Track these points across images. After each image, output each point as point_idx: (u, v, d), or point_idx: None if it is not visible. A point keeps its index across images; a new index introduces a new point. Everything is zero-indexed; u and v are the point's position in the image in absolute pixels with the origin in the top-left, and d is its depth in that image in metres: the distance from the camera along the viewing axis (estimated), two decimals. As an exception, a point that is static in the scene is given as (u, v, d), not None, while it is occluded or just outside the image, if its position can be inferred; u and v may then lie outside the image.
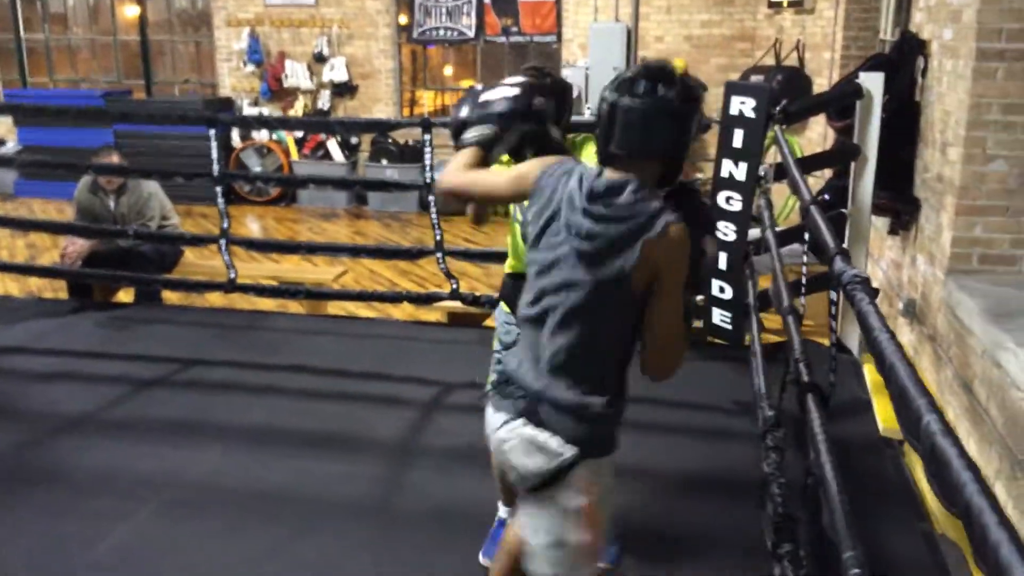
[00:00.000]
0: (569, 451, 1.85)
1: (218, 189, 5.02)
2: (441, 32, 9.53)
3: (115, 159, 5.40)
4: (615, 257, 1.82)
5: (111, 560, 2.97)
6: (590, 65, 8.88)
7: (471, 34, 9.46)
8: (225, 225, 4.98)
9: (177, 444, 3.79)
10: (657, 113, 1.82)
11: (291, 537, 3.12)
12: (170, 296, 5.92)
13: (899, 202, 4.38)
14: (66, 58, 11.05)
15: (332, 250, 5.32)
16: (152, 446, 3.76)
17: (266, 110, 9.71)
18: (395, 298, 4.96)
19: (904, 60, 4.37)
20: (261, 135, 9.64)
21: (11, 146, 10.08)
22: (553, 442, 1.86)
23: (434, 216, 4.77)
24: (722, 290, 4.37)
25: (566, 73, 8.98)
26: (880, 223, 4.69)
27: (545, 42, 9.41)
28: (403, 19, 9.73)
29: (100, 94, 9.72)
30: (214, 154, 4.97)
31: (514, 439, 1.91)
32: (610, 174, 1.87)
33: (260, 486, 3.44)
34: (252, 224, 8.83)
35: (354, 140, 9.45)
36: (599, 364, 1.90)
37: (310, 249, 5.09)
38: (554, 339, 1.89)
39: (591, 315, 1.87)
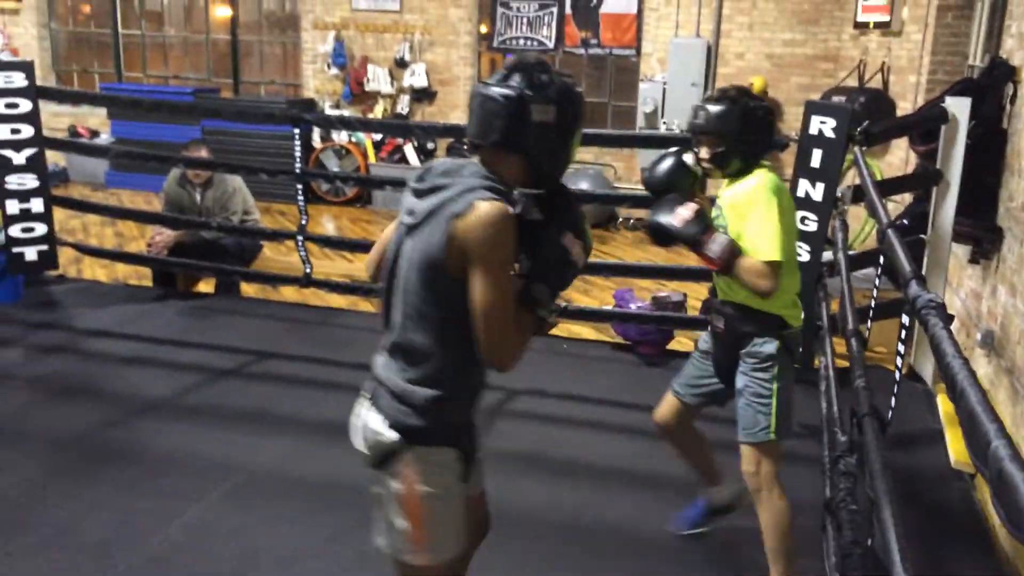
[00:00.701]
0: (391, 436, 1.87)
1: (299, 187, 5.17)
2: (521, 42, 9.62)
3: (203, 153, 5.60)
4: (428, 235, 1.80)
5: (182, 538, 3.09)
6: (668, 80, 8.87)
7: (550, 45, 9.53)
8: (303, 222, 5.13)
9: (249, 431, 3.92)
10: (493, 101, 1.80)
11: (353, 527, 3.20)
12: (248, 288, 6.10)
13: (981, 230, 4.28)
14: (160, 55, 11.46)
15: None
16: (225, 432, 3.89)
17: (347, 112, 9.92)
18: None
19: (992, 86, 4.28)
20: (341, 137, 9.85)
21: (105, 138, 10.49)
22: (381, 426, 1.89)
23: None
24: (792, 311, 4.32)
25: (643, 87, 8.99)
26: (960, 251, 4.59)
27: (624, 55, 9.43)
28: (484, 28, 9.85)
29: (190, 91, 10.06)
30: (297, 152, 5.12)
31: (357, 419, 1.97)
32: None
33: (326, 476, 3.53)
34: (328, 223, 9.03)
35: (430, 145, 9.60)
36: (429, 352, 1.86)
37: (368, 248, 5.19)
38: (393, 322, 1.91)
39: (419, 299, 1.84)
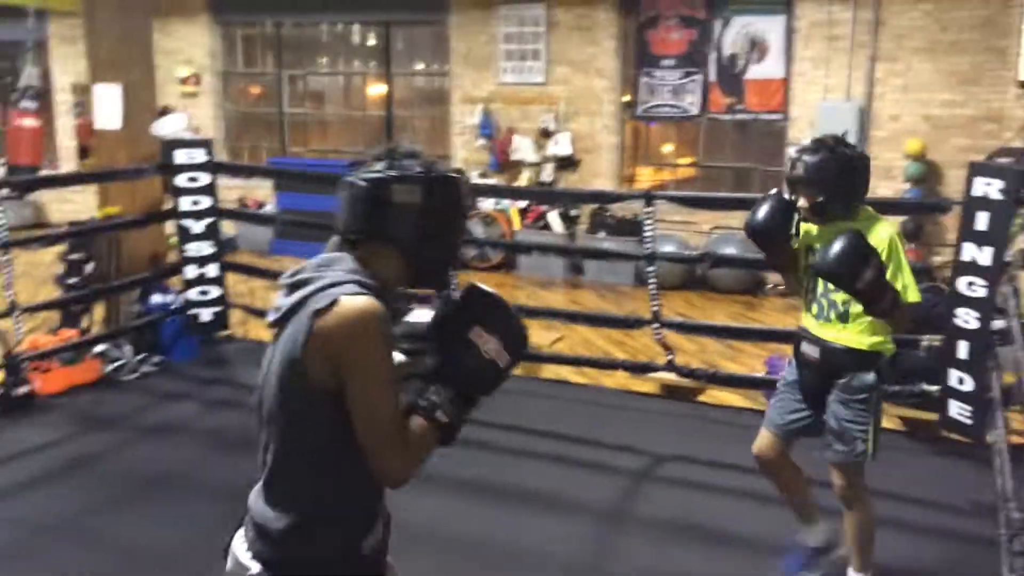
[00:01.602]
0: (253, 568, 1.67)
1: (450, 252, 5.35)
2: (664, 109, 9.69)
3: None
4: (290, 335, 1.59)
5: None
6: (817, 144, 8.69)
7: (695, 111, 9.55)
8: (452, 286, 5.29)
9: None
10: (354, 187, 1.68)
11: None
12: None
13: None
14: (320, 130, 12.20)
15: (550, 315, 5.49)
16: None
17: (493, 182, 10.22)
18: (610, 365, 5.03)
19: None
20: (487, 205, 10.15)
21: (270, 208, 11.20)
22: (245, 557, 1.69)
23: (652, 287, 4.83)
24: (961, 381, 4.10)
25: (791, 152, 8.85)
26: None
27: (771, 120, 9.34)
28: (627, 97, 9.99)
29: (347, 163, 10.63)
30: (449, 220, 5.30)
31: (231, 552, 1.75)
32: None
33: (473, 535, 3.58)
34: (473, 288, 9.26)
35: (574, 212, 9.74)
36: (292, 473, 1.66)
37: (529, 313, 5.29)
38: (263, 442, 1.70)
39: (279, 410, 1.63)
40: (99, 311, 6.11)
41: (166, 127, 5.86)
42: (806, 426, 3.06)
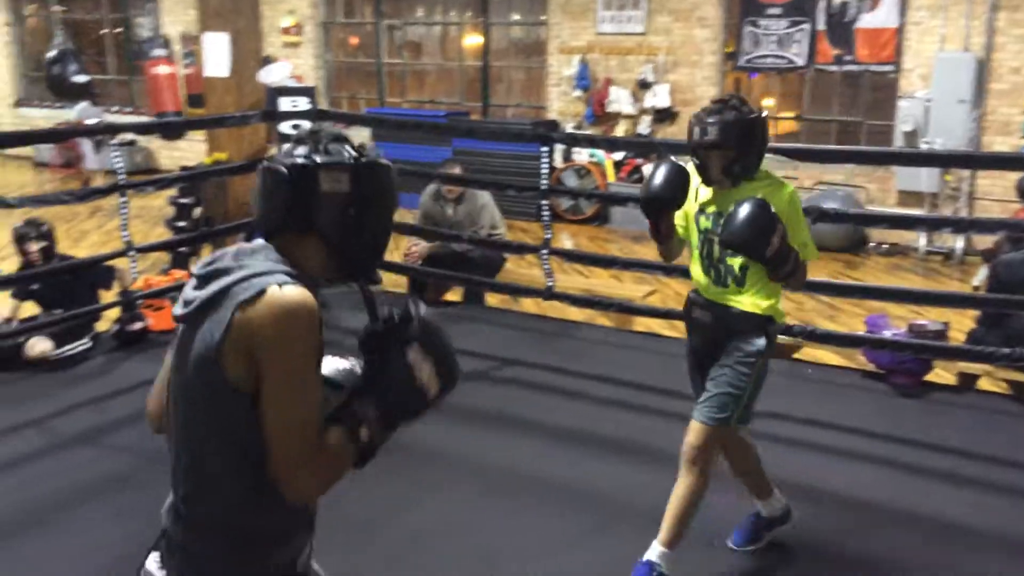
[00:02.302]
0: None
1: (544, 203, 5.35)
2: (768, 60, 9.39)
3: (458, 171, 5.94)
4: (206, 329, 1.43)
5: (433, 523, 3.31)
6: (931, 97, 8.31)
7: (800, 62, 9.23)
8: (548, 236, 5.30)
9: (493, 432, 4.11)
10: (274, 174, 1.52)
11: (586, 533, 3.28)
12: (492, 299, 6.38)
13: None
14: (417, 81, 12.29)
15: (646, 267, 5.44)
16: (472, 430, 4.10)
17: (589, 134, 10.13)
18: (704, 319, 4.97)
19: None
20: (582, 157, 10.07)
21: (372, 147, 11.39)
22: None
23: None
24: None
25: (903, 105, 8.49)
26: None
27: (882, 71, 8.95)
28: (729, 47, 9.72)
29: (443, 114, 10.70)
30: (543, 169, 5.30)
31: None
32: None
33: (562, 481, 3.63)
34: (566, 240, 9.24)
35: (670, 165, 9.59)
36: (214, 488, 1.49)
37: (626, 264, 5.27)
38: (173, 455, 1.54)
39: (190, 413, 1.48)
40: (206, 253, 6.36)
41: (272, 75, 6.00)
42: (697, 393, 3.00)
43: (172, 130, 7.12)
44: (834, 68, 9.16)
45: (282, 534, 1.56)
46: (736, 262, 2.81)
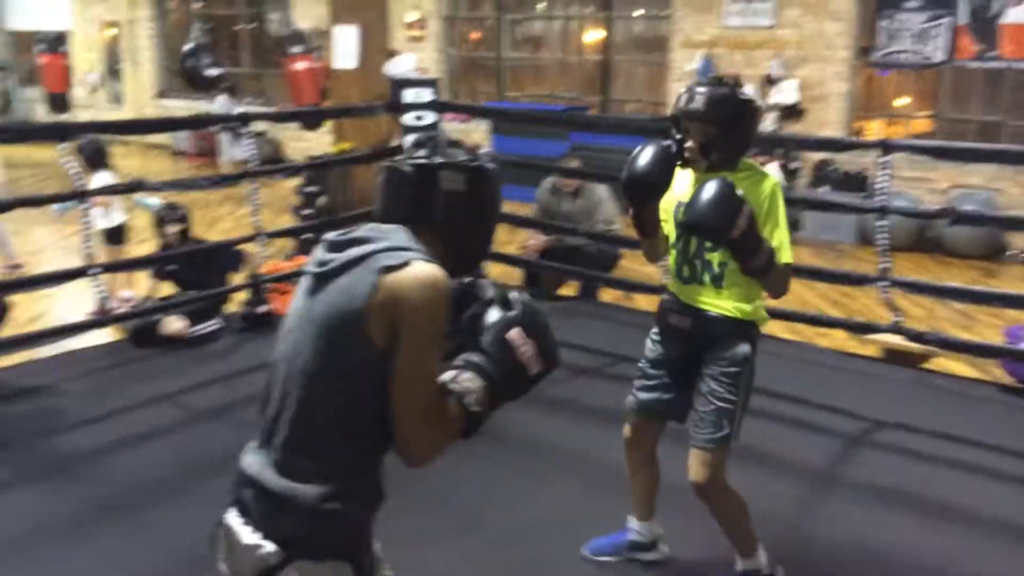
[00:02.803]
0: (268, 548, 1.52)
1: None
2: (904, 56, 8.98)
3: (575, 164, 5.93)
4: (346, 287, 1.53)
5: (540, 515, 3.31)
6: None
7: (939, 58, 8.78)
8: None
9: (602, 429, 4.06)
10: (399, 173, 1.67)
11: (701, 536, 3.20)
12: (606, 294, 6.34)
13: None
14: (536, 76, 12.32)
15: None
16: (582, 427, 4.09)
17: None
18: (829, 323, 4.81)
19: None
20: (702, 154, 9.90)
21: (485, 151, 11.50)
22: (253, 537, 1.54)
23: (882, 242, 4.55)
24: None
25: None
26: None
27: (1028, 69, 8.44)
28: (863, 42, 9.34)
29: (562, 108, 10.69)
30: (666, 165, 5.21)
31: (221, 532, 1.63)
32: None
33: (671, 480, 3.57)
34: (683, 238, 9.11)
35: (795, 164, 9.29)
36: (321, 439, 1.54)
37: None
38: (277, 404, 1.59)
39: (315, 367, 1.53)
40: (329, 241, 6.55)
41: (398, 67, 6.13)
42: (674, 409, 2.81)
43: (308, 119, 7.34)
44: (975, 64, 8.68)
45: (372, 499, 1.62)
46: (715, 258, 2.59)
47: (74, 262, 4.87)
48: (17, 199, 4.56)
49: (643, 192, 2.62)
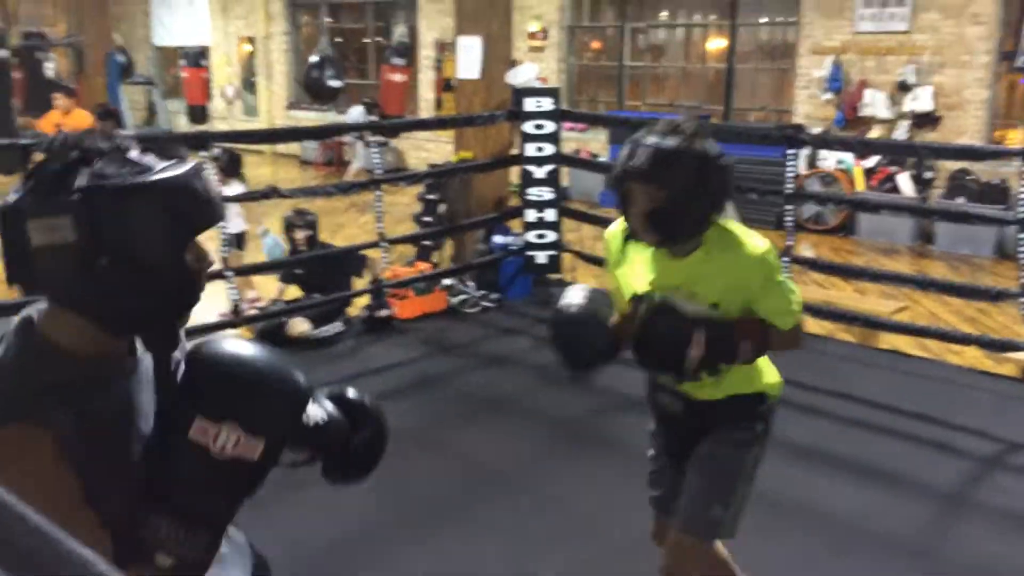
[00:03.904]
0: None
1: (788, 207, 5.14)
2: (1052, 60, 8.47)
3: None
4: None
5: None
6: None
7: (1092, 63, 8.24)
8: (790, 243, 5.09)
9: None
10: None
11: (817, 556, 3.11)
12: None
13: None
14: (658, 85, 12.21)
15: (897, 280, 5.08)
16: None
17: (842, 136, 9.61)
18: (963, 340, 4.57)
19: None
20: (827, 164, 9.57)
21: (603, 159, 11.48)
22: None
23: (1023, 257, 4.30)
24: None
25: None
26: None
27: None
28: (1008, 46, 8.85)
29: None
30: (789, 173, 5.09)
31: None
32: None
33: (793, 500, 3.47)
34: (806, 251, 8.83)
35: (928, 175, 8.88)
36: None
37: (875, 276, 4.94)
38: None
39: None
40: (448, 248, 6.68)
41: (519, 77, 6.19)
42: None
43: (423, 128, 7.52)
44: None
45: None
46: None
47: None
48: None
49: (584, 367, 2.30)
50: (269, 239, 5.98)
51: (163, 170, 1.14)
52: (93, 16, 9.41)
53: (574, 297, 2.19)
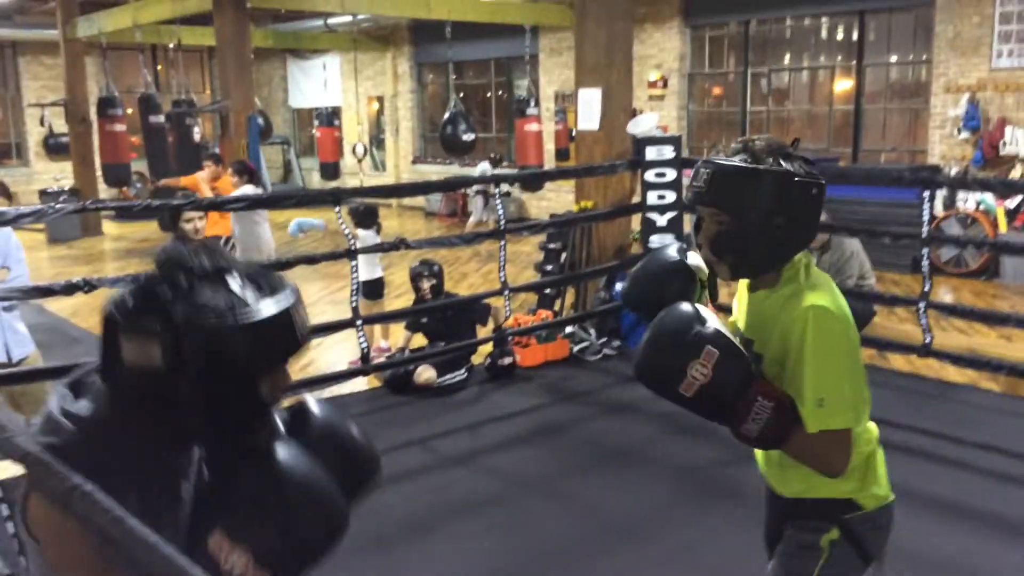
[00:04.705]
0: None
1: (924, 251, 4.93)
2: None
3: (823, 218, 5.69)
4: None
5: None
6: None
7: None
8: (926, 288, 4.88)
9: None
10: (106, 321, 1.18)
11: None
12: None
13: None
14: (780, 128, 12.00)
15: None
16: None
17: (980, 177, 9.18)
18: None
19: None
20: (967, 205, 9.14)
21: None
22: None
23: None
24: None
25: None
26: None
27: None
28: None
29: (811, 160, 10.32)
30: (925, 215, 4.90)
31: None
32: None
33: (948, 558, 3.29)
34: (945, 296, 8.42)
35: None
36: None
37: (1020, 322, 4.66)
38: None
39: None
40: (569, 296, 6.71)
41: (640, 125, 6.22)
42: None
43: (537, 181, 7.63)
44: None
45: None
46: None
47: (340, 315, 5.34)
48: (296, 257, 5.07)
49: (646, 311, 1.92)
50: (308, 221, 6.18)
51: (258, 306, 1.17)
52: (237, 83, 10.05)
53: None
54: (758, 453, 1.93)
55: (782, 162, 1.71)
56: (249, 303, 1.16)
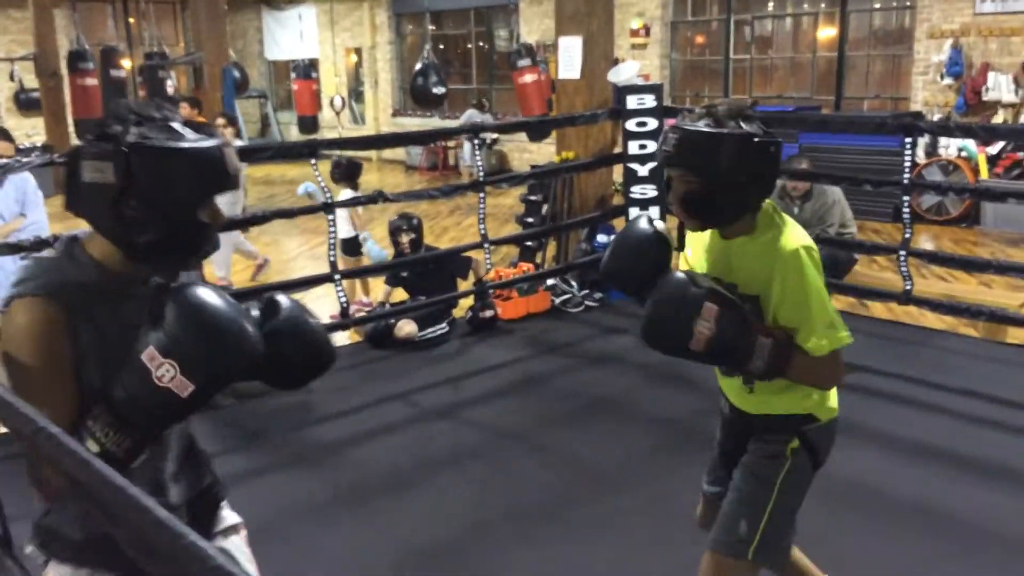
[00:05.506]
0: (30, 546, 1.59)
1: (905, 199, 4.91)
2: None
3: (804, 166, 5.66)
4: None
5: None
6: None
7: None
8: (907, 236, 4.86)
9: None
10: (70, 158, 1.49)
11: (948, 560, 2.96)
12: (837, 302, 5.99)
13: None
14: (765, 77, 11.91)
15: (1020, 271, 4.79)
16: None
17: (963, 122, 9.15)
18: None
19: None
20: (948, 152, 9.12)
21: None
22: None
23: None
24: None
25: None
26: None
27: None
28: None
29: (791, 109, 10.25)
30: (906, 162, 4.87)
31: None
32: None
33: (924, 501, 3.33)
34: (926, 243, 8.44)
35: (1060, 159, 8.36)
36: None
37: (1001, 268, 4.67)
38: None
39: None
40: (551, 248, 6.67)
41: (621, 74, 6.13)
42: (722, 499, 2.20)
43: (536, 130, 7.52)
44: None
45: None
46: None
47: (320, 269, 5.28)
48: (273, 211, 5.00)
49: (623, 286, 2.14)
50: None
51: (194, 141, 1.45)
52: (210, 35, 9.83)
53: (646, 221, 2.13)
54: (723, 381, 2.18)
55: (742, 124, 1.89)
56: (188, 138, 1.44)
